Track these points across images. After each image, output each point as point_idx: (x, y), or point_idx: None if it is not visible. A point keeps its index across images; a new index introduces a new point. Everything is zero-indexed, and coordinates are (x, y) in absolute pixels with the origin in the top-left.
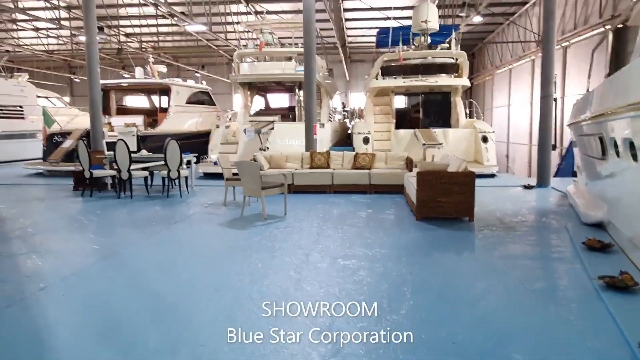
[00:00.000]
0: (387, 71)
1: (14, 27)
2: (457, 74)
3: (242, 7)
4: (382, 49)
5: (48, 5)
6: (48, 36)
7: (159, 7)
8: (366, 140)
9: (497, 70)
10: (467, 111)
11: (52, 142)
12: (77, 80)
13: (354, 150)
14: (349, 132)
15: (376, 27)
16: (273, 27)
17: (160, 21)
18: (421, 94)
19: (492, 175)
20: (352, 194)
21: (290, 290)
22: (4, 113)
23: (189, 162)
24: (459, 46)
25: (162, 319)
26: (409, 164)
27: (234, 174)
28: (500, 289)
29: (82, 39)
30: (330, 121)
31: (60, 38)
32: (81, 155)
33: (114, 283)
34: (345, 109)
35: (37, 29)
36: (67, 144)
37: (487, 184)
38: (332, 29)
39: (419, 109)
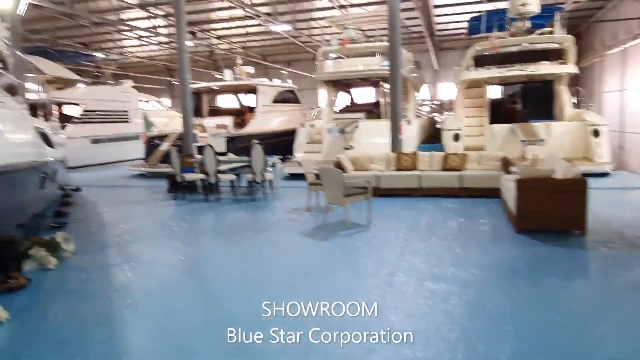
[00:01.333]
0: (479, 61)
1: (120, 36)
2: (562, 60)
3: (326, 2)
4: (475, 36)
5: (148, 15)
6: (150, 43)
7: (246, 9)
8: (456, 137)
9: (607, 51)
10: (575, 100)
11: (151, 145)
12: (176, 83)
13: (442, 147)
14: (438, 126)
15: (468, 13)
16: (357, 21)
17: (248, 22)
18: (518, 83)
19: (605, 174)
20: (442, 198)
21: (373, 322)
22: (112, 118)
23: (273, 165)
24: (565, 29)
25: (233, 352)
26: (505, 164)
27: (317, 176)
28: (625, 335)
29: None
30: (418, 117)
31: (160, 45)
32: (173, 159)
33: (193, 301)
34: (433, 102)
35: (140, 37)
36: (164, 147)
37: (599, 186)
38: (418, 18)
39: (517, 100)
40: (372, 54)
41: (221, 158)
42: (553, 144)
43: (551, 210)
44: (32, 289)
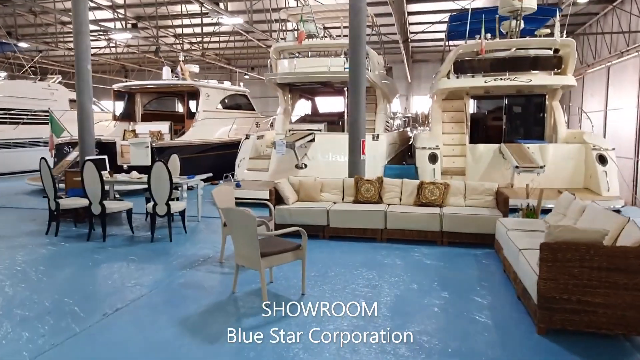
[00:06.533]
0: (461, 67)
1: (65, 29)
2: (558, 70)
3: (292, 2)
4: (456, 42)
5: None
6: (98, 39)
7: (203, 5)
8: (433, 158)
9: (589, 69)
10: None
11: (62, 153)
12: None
13: (416, 170)
14: (411, 143)
15: (444, 22)
16: (318, 15)
17: (205, 20)
18: (505, 96)
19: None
20: (415, 244)
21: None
22: (28, 118)
23: (191, 188)
24: (565, 33)
25: None
26: (503, 202)
27: None
28: None
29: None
30: (388, 131)
31: (111, 41)
32: (44, 177)
33: None
34: (406, 115)
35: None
36: (72, 156)
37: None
38: (393, 25)
39: (501, 117)
40: (337, 55)
41: (120, 177)
42: (549, 171)
43: (600, 300)
44: None
